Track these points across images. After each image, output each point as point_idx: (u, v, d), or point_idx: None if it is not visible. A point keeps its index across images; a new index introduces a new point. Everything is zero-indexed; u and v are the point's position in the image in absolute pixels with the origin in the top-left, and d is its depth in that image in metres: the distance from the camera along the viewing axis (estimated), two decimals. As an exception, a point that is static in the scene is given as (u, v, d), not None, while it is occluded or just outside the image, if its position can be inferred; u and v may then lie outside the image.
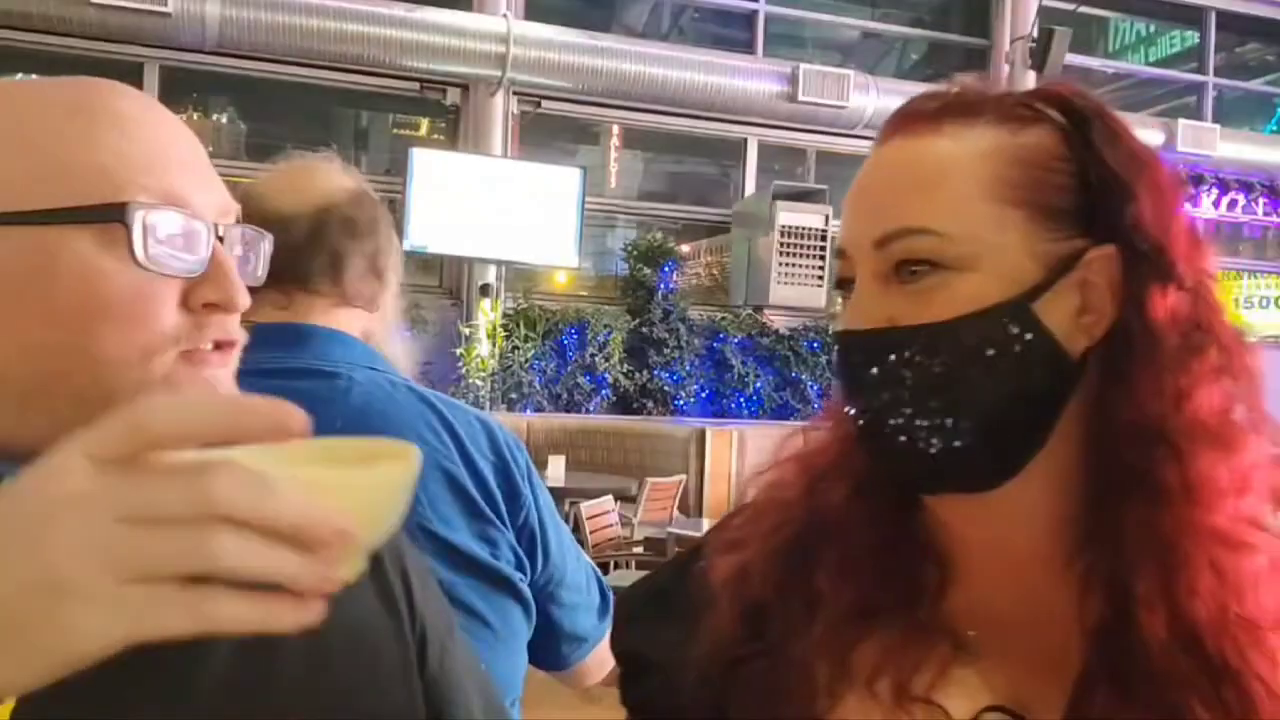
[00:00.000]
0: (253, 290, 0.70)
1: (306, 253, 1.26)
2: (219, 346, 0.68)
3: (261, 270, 0.74)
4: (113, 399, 0.62)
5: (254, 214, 1.23)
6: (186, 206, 0.66)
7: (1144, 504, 0.62)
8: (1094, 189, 0.64)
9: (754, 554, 0.73)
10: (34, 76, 7.95)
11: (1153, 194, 0.64)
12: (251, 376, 1.16)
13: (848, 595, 0.69)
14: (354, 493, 0.46)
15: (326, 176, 1.33)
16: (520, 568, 1.27)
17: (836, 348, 0.68)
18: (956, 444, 0.63)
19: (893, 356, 0.64)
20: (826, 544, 0.70)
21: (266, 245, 0.75)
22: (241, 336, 0.70)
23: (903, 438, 0.64)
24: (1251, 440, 0.63)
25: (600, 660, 1.37)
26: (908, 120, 0.68)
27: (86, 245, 0.63)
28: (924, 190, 0.64)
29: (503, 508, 1.25)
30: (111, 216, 0.63)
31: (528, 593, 1.27)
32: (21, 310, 0.62)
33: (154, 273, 0.64)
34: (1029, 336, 0.63)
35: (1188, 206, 0.68)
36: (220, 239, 0.67)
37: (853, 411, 0.67)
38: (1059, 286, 0.63)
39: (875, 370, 0.64)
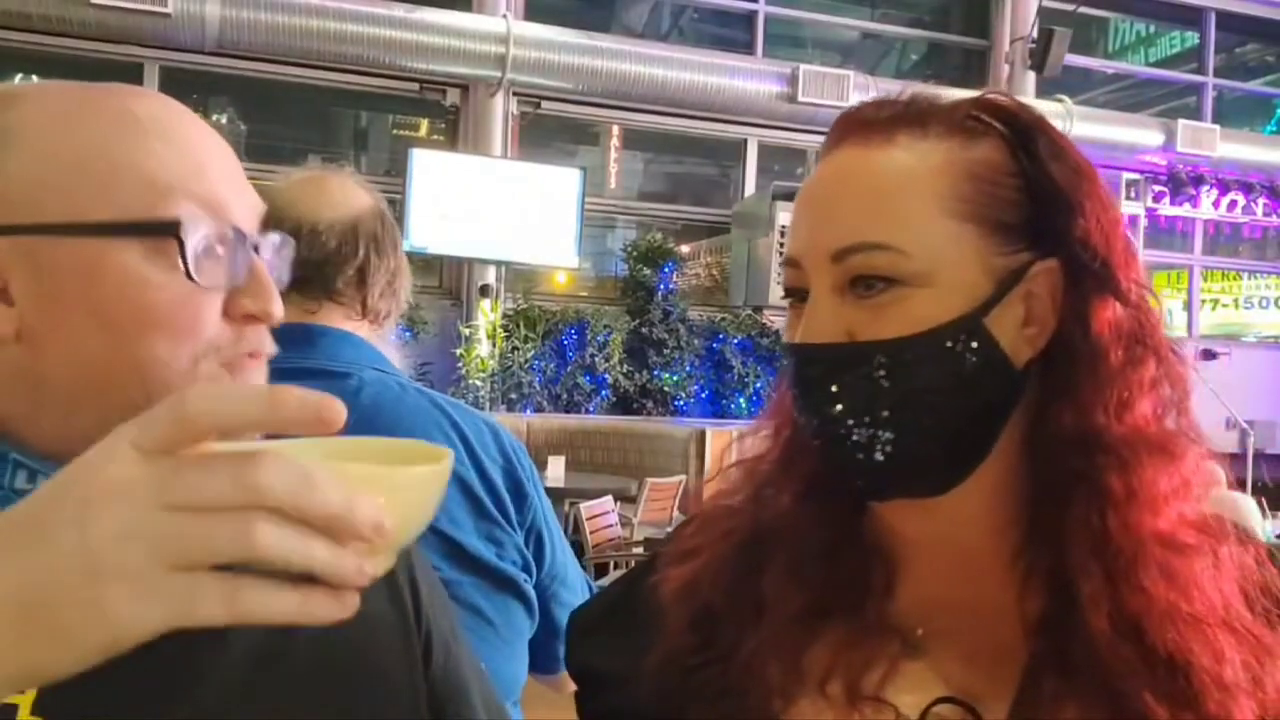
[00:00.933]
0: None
1: (335, 264, 1.29)
2: (252, 356, 0.70)
3: (286, 276, 0.75)
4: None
5: (284, 220, 1.24)
6: (229, 217, 0.67)
7: (1088, 508, 0.64)
8: (1039, 203, 0.66)
9: (704, 562, 0.74)
10: (34, 78, 7.97)
11: (1096, 208, 0.66)
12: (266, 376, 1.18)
13: (797, 598, 0.70)
14: (392, 490, 0.47)
15: (354, 191, 1.36)
16: (526, 569, 1.28)
17: (793, 359, 0.68)
18: (909, 454, 0.65)
19: (851, 371, 0.65)
20: (774, 548, 0.72)
21: (289, 251, 0.76)
22: (272, 348, 0.71)
23: (858, 450, 0.65)
24: (1189, 447, 0.66)
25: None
26: (859, 127, 0.69)
27: (135, 256, 0.64)
28: (882, 204, 0.65)
29: (510, 509, 1.26)
30: (165, 231, 0.64)
31: (531, 593, 1.28)
32: (72, 319, 0.64)
33: (202, 285, 0.65)
34: (982, 351, 0.65)
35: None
36: (256, 248, 0.69)
37: (808, 421, 0.67)
38: (1007, 299, 0.65)
39: (834, 385, 0.65)
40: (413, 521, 0.49)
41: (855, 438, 0.65)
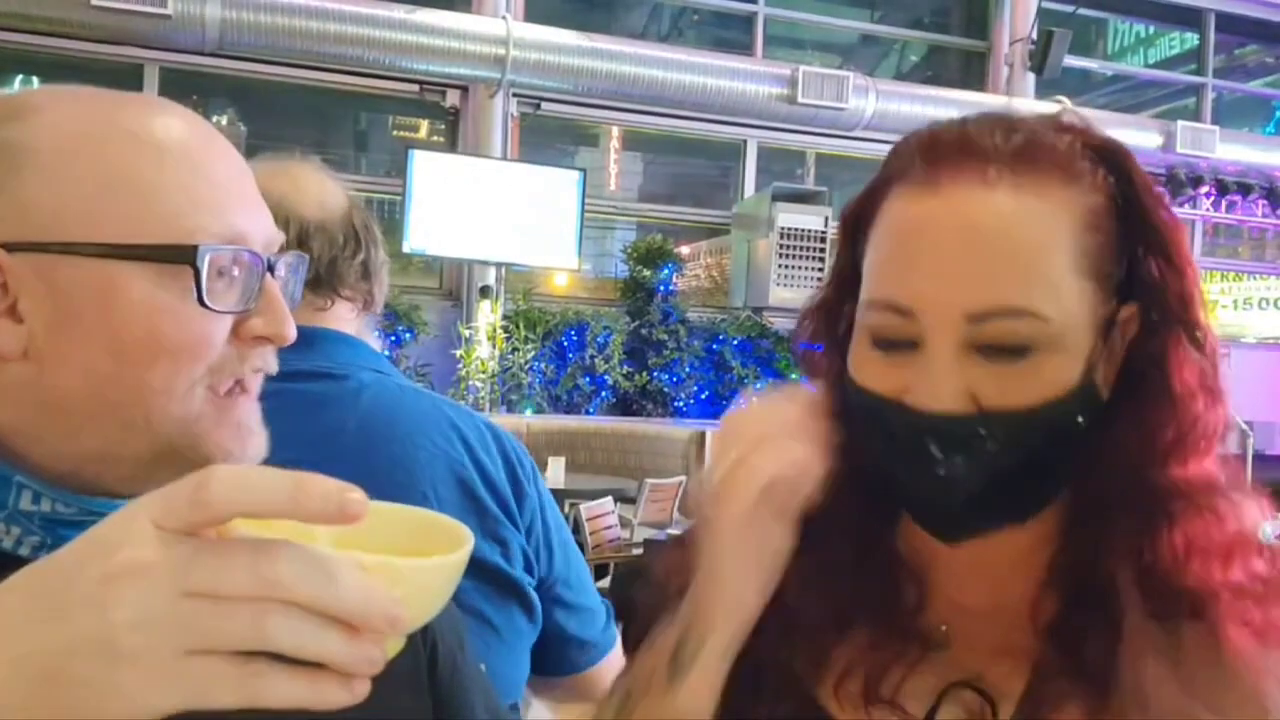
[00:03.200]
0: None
1: (344, 259, 1.27)
2: (255, 373, 0.70)
3: (299, 292, 0.75)
4: (156, 430, 0.65)
5: (291, 224, 1.22)
6: (246, 243, 0.67)
7: (1144, 540, 0.65)
8: (1134, 249, 0.65)
9: None
10: (34, 79, 7.95)
11: (1182, 257, 0.66)
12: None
13: (823, 604, 0.71)
14: (410, 580, 0.48)
15: (329, 181, 1.33)
16: (529, 569, 1.27)
17: (903, 421, 0.64)
18: (1002, 501, 0.65)
19: (974, 440, 0.63)
20: (802, 553, 0.71)
21: (305, 269, 0.76)
22: (275, 365, 0.72)
23: (949, 494, 0.64)
24: (1240, 506, 0.67)
25: (611, 669, 1.37)
26: (979, 158, 0.64)
27: (148, 280, 0.64)
28: (1028, 266, 0.62)
29: (513, 509, 1.26)
30: (181, 258, 0.64)
31: (534, 596, 1.28)
32: (82, 341, 0.64)
33: (215, 311, 0.65)
34: (1091, 409, 0.65)
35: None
36: (270, 269, 0.69)
37: (898, 466, 0.66)
38: (1103, 347, 0.65)
39: (952, 451, 0.63)
40: (429, 608, 0.50)
41: (951, 490, 0.64)
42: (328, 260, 1.25)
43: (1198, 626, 0.63)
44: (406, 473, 1.19)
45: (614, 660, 1.36)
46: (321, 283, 1.25)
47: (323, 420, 1.18)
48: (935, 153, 0.65)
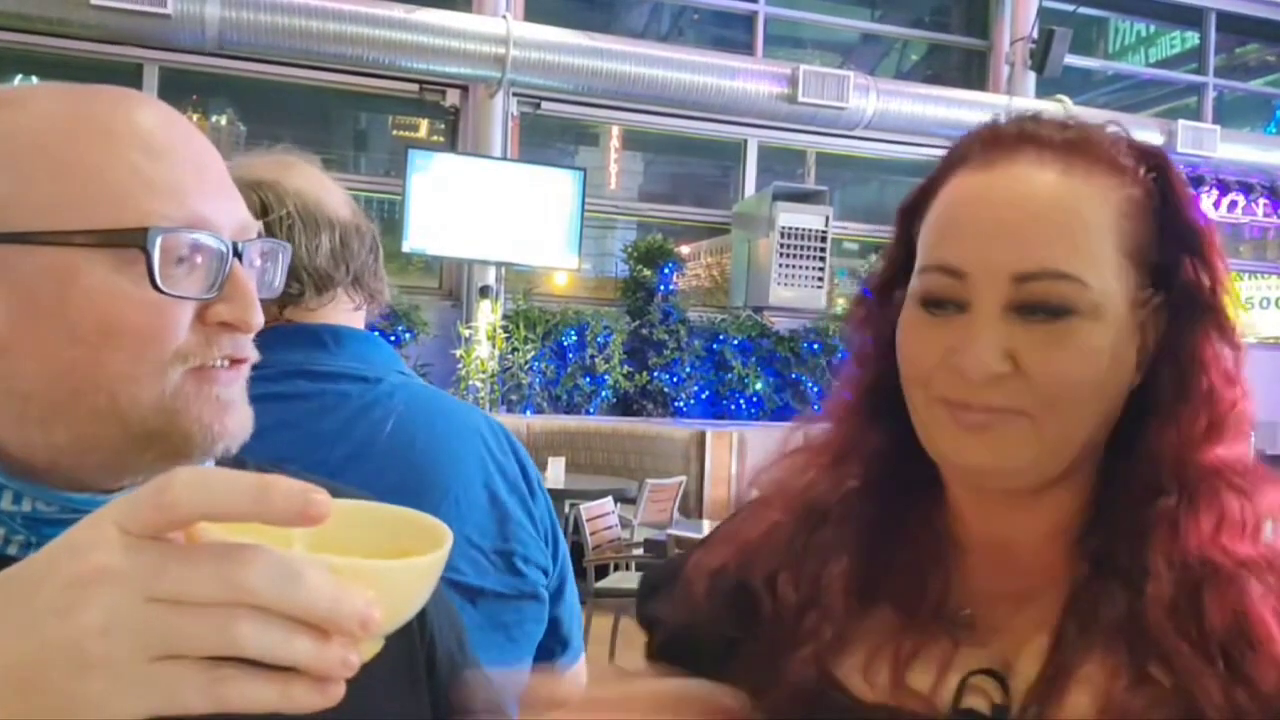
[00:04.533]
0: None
1: (372, 257, 1.28)
2: (233, 363, 0.69)
3: (279, 281, 0.74)
4: (126, 416, 0.65)
5: (335, 227, 1.22)
6: (207, 227, 0.66)
7: (1170, 522, 0.68)
8: (1170, 243, 0.69)
9: (757, 541, 0.78)
10: (34, 79, 7.95)
11: (1214, 254, 0.70)
12: (294, 378, 1.17)
13: (848, 583, 0.73)
14: (384, 581, 0.47)
15: (324, 174, 1.32)
16: (544, 569, 1.28)
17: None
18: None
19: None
20: (833, 531, 0.75)
21: (285, 256, 0.75)
22: (253, 354, 0.71)
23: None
24: (1267, 483, 0.70)
25: (576, 679, 1.38)
26: (1035, 144, 0.69)
27: (104, 267, 0.64)
28: (1074, 234, 0.66)
29: (530, 509, 1.27)
30: (131, 242, 0.63)
31: (545, 596, 1.29)
32: (43, 330, 0.64)
33: (171, 296, 0.65)
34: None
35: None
36: (239, 255, 0.68)
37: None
38: (1135, 328, 0.69)
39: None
40: (404, 610, 0.49)
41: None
42: (360, 260, 1.26)
43: (1223, 597, 0.65)
44: (440, 474, 1.19)
45: (579, 673, 1.38)
46: (361, 283, 1.27)
47: (364, 422, 1.19)
48: (994, 141, 0.71)
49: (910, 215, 0.74)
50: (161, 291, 0.64)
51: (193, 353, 0.66)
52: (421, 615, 0.77)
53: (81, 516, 0.63)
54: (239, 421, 0.69)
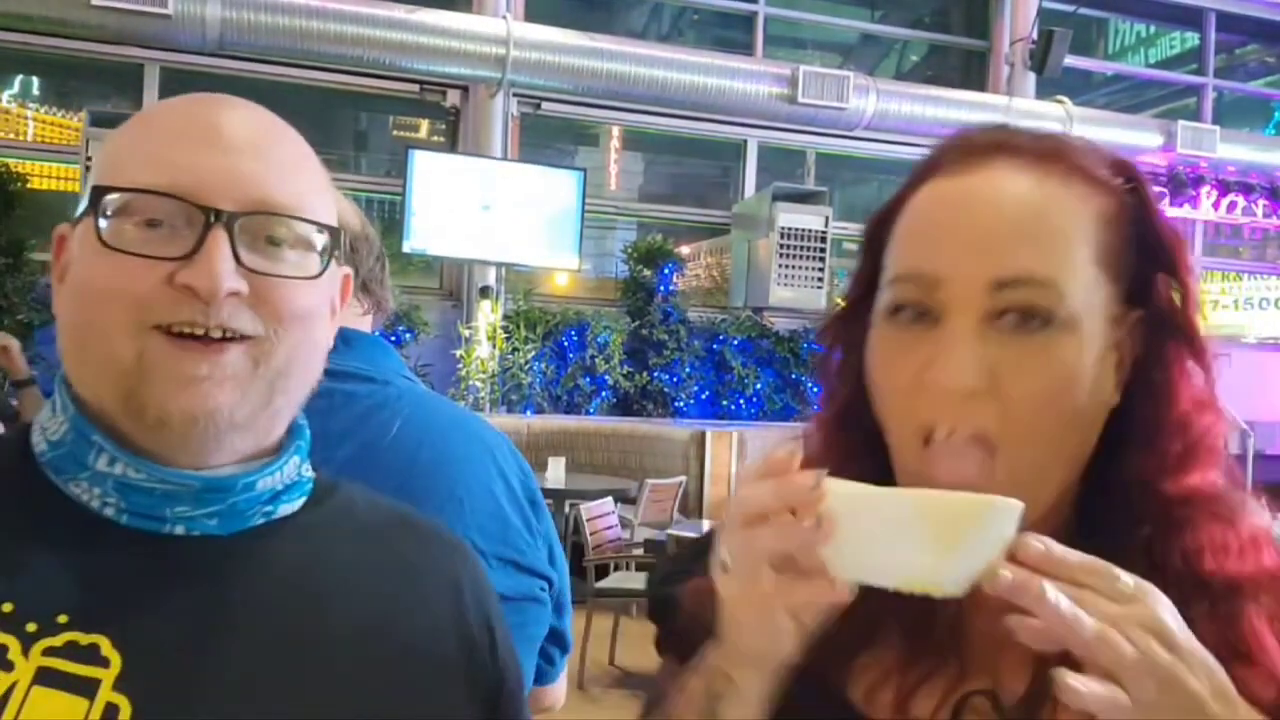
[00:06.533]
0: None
1: (363, 258, 1.29)
2: (209, 342, 0.69)
3: (294, 260, 0.73)
4: (114, 375, 0.69)
5: (344, 235, 1.24)
6: (183, 193, 0.69)
7: (1151, 543, 0.67)
8: (1144, 258, 0.68)
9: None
10: (34, 79, 7.93)
11: (1185, 271, 0.69)
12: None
13: (854, 613, 0.70)
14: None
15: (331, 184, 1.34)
16: (547, 576, 1.28)
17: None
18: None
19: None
20: None
21: (287, 234, 0.74)
22: (228, 321, 0.69)
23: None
24: (1250, 506, 0.69)
25: (555, 695, 1.40)
26: (1009, 152, 0.68)
27: (84, 228, 0.71)
28: (1050, 242, 0.65)
29: (531, 519, 1.27)
30: (91, 202, 0.70)
31: (547, 600, 1.30)
32: (63, 290, 0.73)
33: (126, 254, 0.68)
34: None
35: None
36: (228, 228, 0.69)
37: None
38: (1111, 345, 0.67)
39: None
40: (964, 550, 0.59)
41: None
42: (368, 267, 1.28)
43: (1215, 615, 0.64)
44: (445, 477, 1.20)
45: (559, 690, 1.40)
46: (369, 290, 1.29)
47: (372, 422, 1.20)
48: (968, 149, 0.69)
49: (879, 229, 0.72)
50: (107, 246, 0.68)
51: (156, 309, 0.68)
52: (494, 654, 0.82)
53: (168, 487, 0.69)
54: (200, 398, 0.69)
